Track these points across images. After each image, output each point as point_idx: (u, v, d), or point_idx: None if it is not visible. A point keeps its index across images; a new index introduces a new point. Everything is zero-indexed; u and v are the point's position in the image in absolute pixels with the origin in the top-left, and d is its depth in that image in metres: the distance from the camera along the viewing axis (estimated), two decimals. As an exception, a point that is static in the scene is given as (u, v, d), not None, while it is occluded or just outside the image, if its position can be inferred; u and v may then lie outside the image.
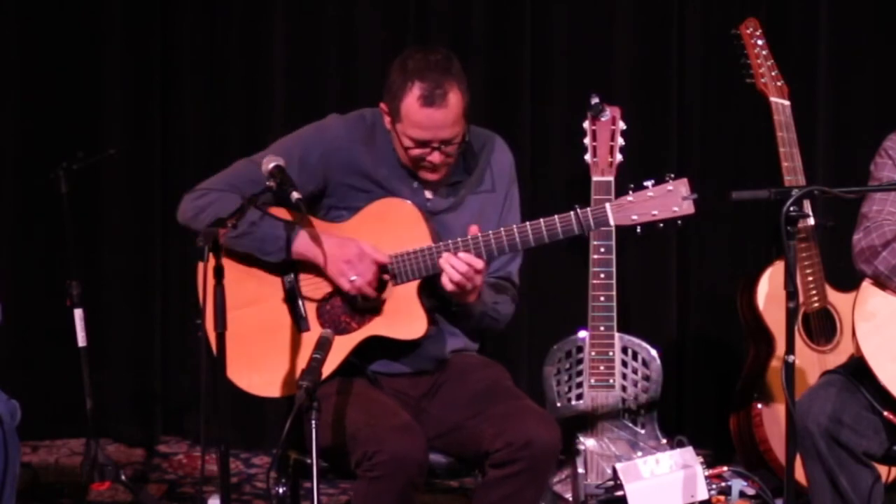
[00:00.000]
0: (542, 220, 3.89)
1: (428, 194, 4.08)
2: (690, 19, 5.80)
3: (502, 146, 4.19)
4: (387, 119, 4.02)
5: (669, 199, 3.85)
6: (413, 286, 3.97)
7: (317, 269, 4.01)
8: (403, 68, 3.96)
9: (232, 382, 3.92)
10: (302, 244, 3.98)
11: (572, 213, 3.87)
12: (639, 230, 3.90)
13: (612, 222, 3.87)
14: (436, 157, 3.97)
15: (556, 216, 3.88)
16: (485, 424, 3.88)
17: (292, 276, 4.03)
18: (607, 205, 3.87)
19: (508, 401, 3.93)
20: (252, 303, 3.98)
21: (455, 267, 3.87)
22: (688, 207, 3.85)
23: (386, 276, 3.98)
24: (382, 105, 4.01)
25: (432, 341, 4.05)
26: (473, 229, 3.92)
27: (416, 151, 3.96)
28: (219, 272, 3.65)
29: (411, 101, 3.92)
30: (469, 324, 4.08)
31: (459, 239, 3.92)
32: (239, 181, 4.03)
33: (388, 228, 3.99)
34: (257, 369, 4.00)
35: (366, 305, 3.99)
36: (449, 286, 3.89)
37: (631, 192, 3.87)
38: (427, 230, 3.98)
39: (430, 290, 4.00)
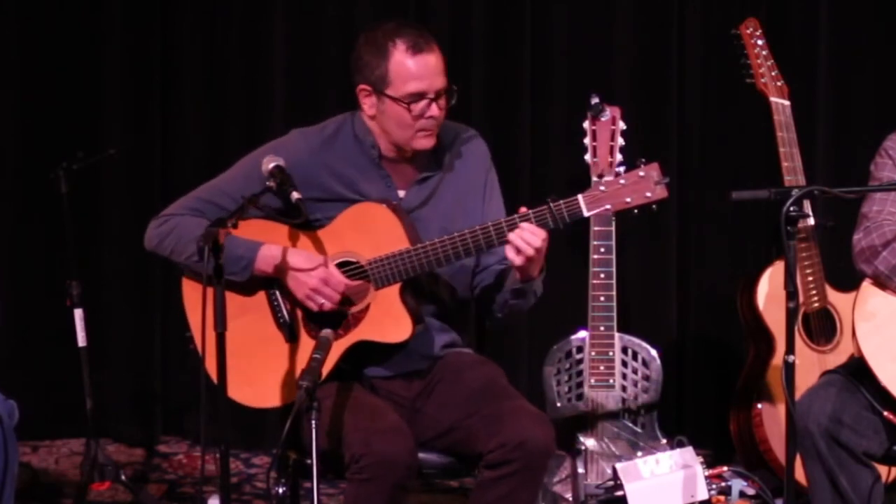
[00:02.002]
0: (516, 215, 3.89)
1: (400, 192, 4.08)
2: (690, 19, 5.80)
3: (474, 136, 4.18)
4: (368, 102, 4.00)
5: (642, 184, 3.84)
6: (395, 289, 3.97)
7: None
8: (373, 40, 3.97)
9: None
10: (263, 264, 3.99)
11: (546, 206, 3.87)
12: (614, 217, 3.90)
13: (585, 213, 3.86)
14: (434, 111, 3.95)
15: (530, 211, 3.88)
16: (479, 425, 3.89)
17: (275, 287, 4.03)
18: (580, 196, 3.86)
19: (502, 401, 3.93)
20: (239, 316, 3.97)
21: (521, 238, 3.85)
22: (661, 192, 3.84)
23: (355, 289, 3.98)
24: (362, 86, 3.99)
25: (420, 340, 4.04)
26: (523, 210, 3.91)
27: (417, 107, 3.94)
28: (219, 270, 3.66)
29: (399, 56, 3.92)
30: (523, 302, 4.04)
31: (437, 239, 3.92)
32: (200, 204, 4.06)
33: (365, 233, 3.98)
34: (250, 382, 4.00)
35: (343, 310, 4.00)
36: (517, 261, 3.86)
37: (603, 182, 3.87)
38: (403, 232, 3.97)
39: (414, 291, 4.01)
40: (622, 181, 3.85)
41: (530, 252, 3.84)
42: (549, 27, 5.83)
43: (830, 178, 5.53)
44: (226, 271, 3.81)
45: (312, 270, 3.95)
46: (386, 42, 3.94)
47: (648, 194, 3.84)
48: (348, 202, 4.03)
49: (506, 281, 4.03)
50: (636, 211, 3.87)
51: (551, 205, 3.86)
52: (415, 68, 3.93)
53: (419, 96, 3.94)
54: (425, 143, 4.01)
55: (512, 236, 3.85)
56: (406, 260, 3.94)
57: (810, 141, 5.52)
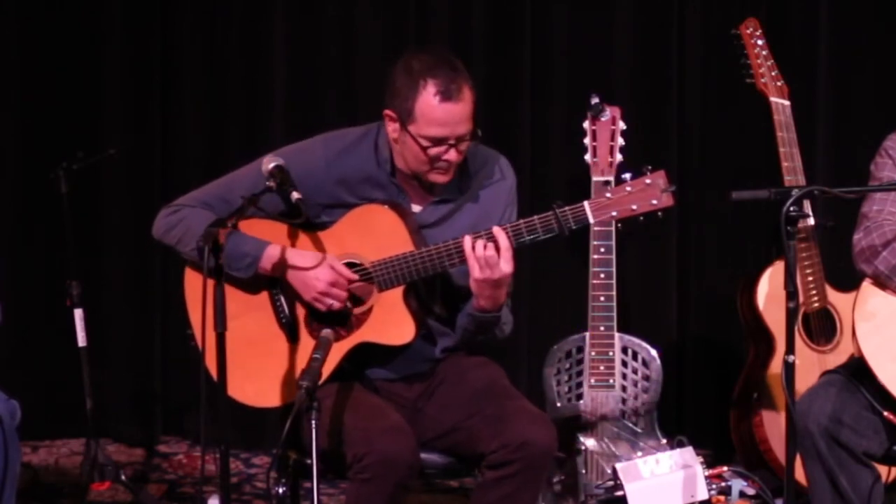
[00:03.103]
0: (521, 220, 3.89)
1: (416, 207, 4.07)
2: (690, 19, 5.80)
3: (504, 166, 4.14)
4: (392, 126, 3.98)
5: (648, 192, 3.85)
6: (398, 292, 3.97)
7: None
8: (409, 70, 3.94)
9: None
10: (268, 263, 3.98)
11: (551, 212, 3.86)
12: (619, 226, 3.90)
13: (591, 220, 3.86)
14: (452, 155, 3.94)
15: (535, 216, 3.88)
16: (481, 425, 3.89)
17: (278, 286, 4.03)
18: (586, 203, 3.86)
19: (504, 401, 3.93)
20: (241, 314, 3.98)
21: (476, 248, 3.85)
22: (667, 200, 3.85)
23: (360, 288, 3.98)
24: (389, 112, 3.98)
25: (422, 343, 4.05)
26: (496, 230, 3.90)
27: (434, 150, 3.92)
28: (218, 271, 3.66)
29: (427, 98, 3.90)
30: (486, 334, 4.04)
31: (441, 243, 3.91)
32: (211, 199, 4.06)
33: (369, 236, 3.98)
34: (251, 380, 4.00)
35: (347, 310, 4.00)
36: (468, 255, 3.86)
37: (609, 189, 3.87)
38: (408, 235, 3.97)
39: (417, 294, 4.00)
40: (628, 188, 3.85)
41: (481, 252, 3.83)
42: (549, 27, 5.82)
43: (830, 178, 5.53)
44: (230, 267, 3.82)
45: (317, 269, 3.94)
46: (418, 79, 3.91)
47: (654, 202, 3.85)
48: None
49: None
50: (642, 218, 3.87)
51: (557, 211, 3.85)
52: (440, 115, 3.90)
53: (440, 141, 3.92)
54: (440, 178, 3.99)
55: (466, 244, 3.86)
56: (410, 263, 3.93)
57: (810, 141, 5.52)
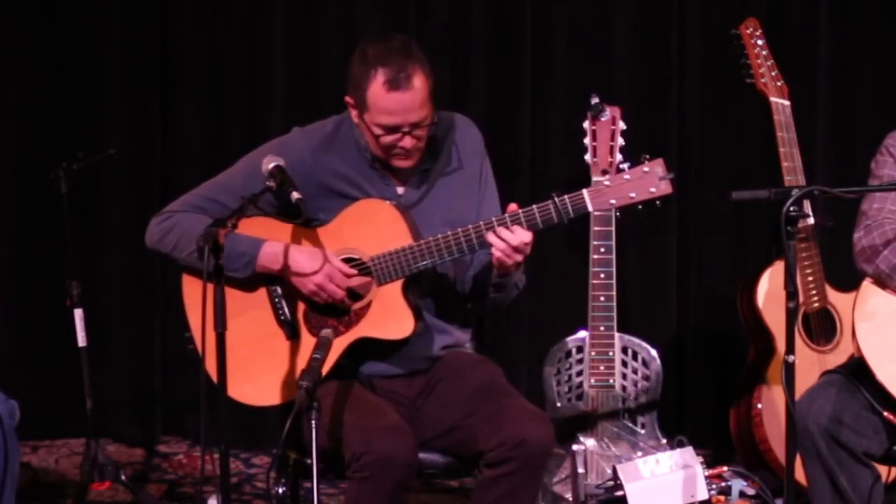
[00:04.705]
0: (520, 210, 3.89)
1: (399, 189, 4.08)
2: (690, 19, 5.80)
3: (467, 124, 4.17)
4: (353, 112, 4.01)
5: (646, 180, 3.85)
6: (397, 286, 3.97)
7: None
8: (364, 58, 3.95)
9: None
10: (266, 260, 3.98)
11: (550, 201, 3.87)
12: (617, 214, 3.91)
13: (590, 208, 3.87)
14: (407, 143, 3.95)
15: (534, 205, 3.88)
16: (479, 423, 3.89)
17: (277, 284, 4.03)
18: (584, 191, 3.87)
19: (501, 399, 3.93)
20: (239, 314, 3.97)
21: (504, 239, 3.86)
22: (665, 187, 3.85)
23: (359, 283, 3.98)
24: (348, 98, 4.01)
25: (421, 340, 4.05)
26: (512, 207, 3.91)
27: (388, 139, 3.95)
28: (218, 270, 3.66)
29: (376, 87, 3.91)
30: (502, 295, 4.05)
31: (440, 235, 3.92)
32: (202, 202, 4.07)
33: (368, 230, 3.99)
34: (250, 379, 4.00)
35: (343, 307, 4.00)
36: (496, 254, 3.88)
37: (608, 177, 3.87)
38: (407, 229, 3.98)
39: (416, 288, 4.01)
40: (626, 176, 3.85)
41: (502, 246, 3.84)
42: (549, 27, 5.83)
43: (830, 178, 5.53)
44: (227, 268, 3.81)
45: (314, 264, 3.95)
46: (370, 68, 3.92)
47: (653, 190, 3.85)
48: (350, 199, 4.04)
49: (488, 274, 4.03)
50: (640, 207, 3.87)
51: (556, 199, 3.86)
52: (389, 104, 3.91)
53: (393, 129, 3.94)
54: (402, 164, 4.01)
55: (492, 238, 3.86)
56: (409, 256, 3.94)
57: (810, 141, 5.52)
